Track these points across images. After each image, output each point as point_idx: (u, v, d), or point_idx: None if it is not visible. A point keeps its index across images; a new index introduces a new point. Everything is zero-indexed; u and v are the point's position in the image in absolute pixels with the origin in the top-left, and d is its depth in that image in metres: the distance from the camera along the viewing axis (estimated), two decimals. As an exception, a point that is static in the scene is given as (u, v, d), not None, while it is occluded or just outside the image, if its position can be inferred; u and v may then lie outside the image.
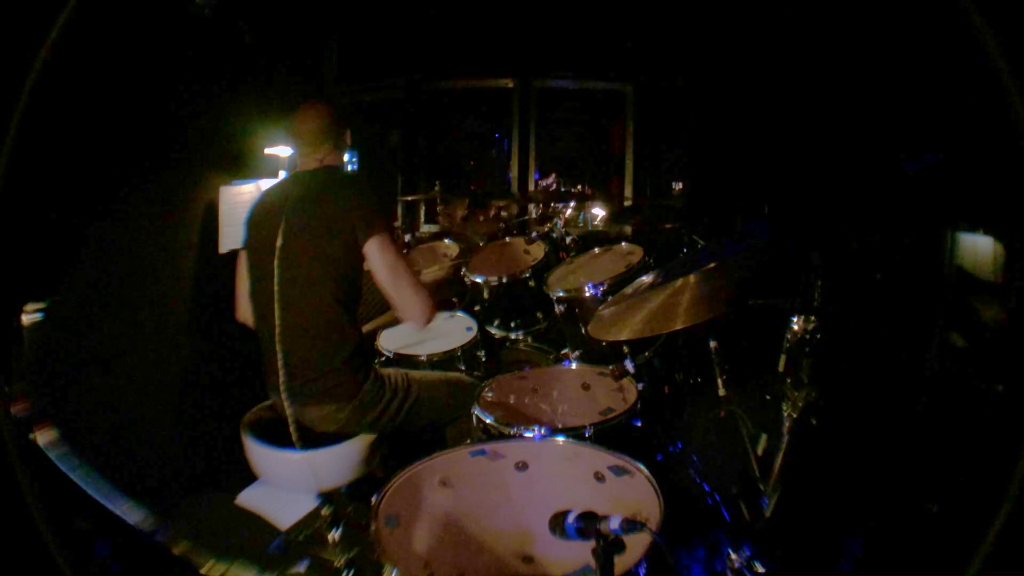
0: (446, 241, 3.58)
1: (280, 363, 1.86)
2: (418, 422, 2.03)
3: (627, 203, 4.41)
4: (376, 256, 1.87)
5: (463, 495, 1.49)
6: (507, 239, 3.49)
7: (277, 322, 1.85)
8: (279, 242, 1.86)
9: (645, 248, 2.89)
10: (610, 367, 1.97)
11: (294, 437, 1.86)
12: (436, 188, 3.86)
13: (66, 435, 1.83)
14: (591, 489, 1.49)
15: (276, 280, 1.85)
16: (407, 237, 3.71)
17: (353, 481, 1.93)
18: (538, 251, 3.20)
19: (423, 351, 2.62)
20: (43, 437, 1.78)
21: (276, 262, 1.86)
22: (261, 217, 1.97)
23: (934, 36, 1.77)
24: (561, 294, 2.67)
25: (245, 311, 2.05)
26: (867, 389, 2.08)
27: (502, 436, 1.78)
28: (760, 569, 1.43)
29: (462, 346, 2.64)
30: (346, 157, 2.14)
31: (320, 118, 2.02)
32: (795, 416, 1.39)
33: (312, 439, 1.87)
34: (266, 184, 2.61)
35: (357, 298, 1.96)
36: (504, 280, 2.97)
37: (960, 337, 1.92)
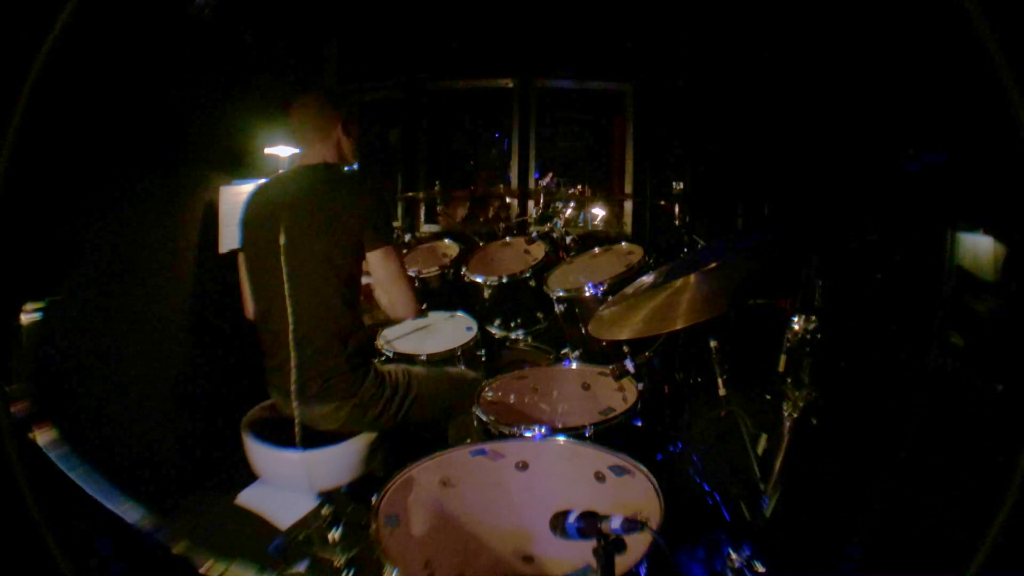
0: (446, 241, 3.58)
1: (293, 363, 1.85)
2: (419, 418, 2.03)
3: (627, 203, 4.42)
4: (379, 265, 1.89)
5: (463, 495, 1.49)
6: (507, 239, 3.49)
7: (291, 321, 1.84)
8: (283, 240, 1.84)
9: (645, 248, 2.89)
10: (610, 367, 1.97)
11: (298, 438, 1.86)
12: (436, 188, 3.85)
13: (66, 435, 1.83)
14: (591, 489, 1.49)
15: (286, 278, 1.84)
16: (407, 237, 3.71)
17: (353, 481, 1.93)
18: (538, 251, 3.20)
19: (423, 350, 2.62)
20: (43, 437, 1.78)
21: (283, 260, 1.84)
22: (260, 215, 1.94)
23: (934, 35, 1.77)
24: (561, 294, 2.67)
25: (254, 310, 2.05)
26: (867, 389, 2.08)
27: (502, 436, 1.79)
28: (760, 569, 1.43)
29: (462, 346, 2.64)
30: (349, 153, 2.08)
31: (316, 109, 2.00)
32: (795, 416, 1.39)
33: (312, 438, 1.87)
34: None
35: (358, 296, 1.96)
36: (504, 280, 2.97)
37: (960, 337, 1.92)
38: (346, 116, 2.03)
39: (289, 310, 1.84)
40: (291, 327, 1.84)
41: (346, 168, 2.08)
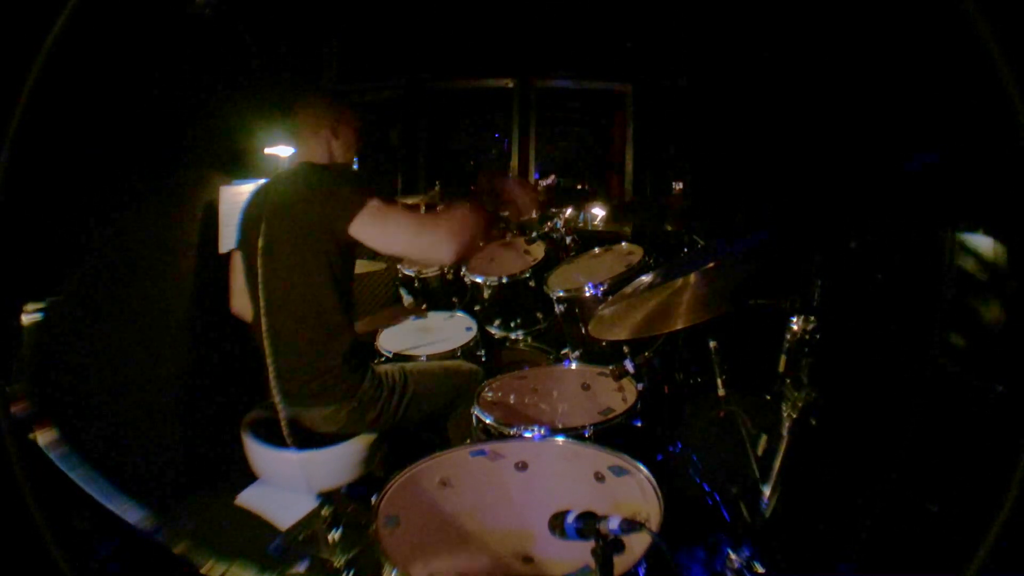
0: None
1: (270, 364, 1.86)
2: (419, 415, 2.03)
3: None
4: (372, 229, 1.75)
5: (463, 495, 1.49)
6: (507, 239, 3.49)
7: (264, 324, 1.85)
8: (261, 245, 1.85)
9: (645, 248, 2.89)
10: (610, 367, 1.97)
11: (287, 436, 1.86)
12: (436, 188, 3.85)
13: (66, 435, 1.83)
14: (591, 489, 1.49)
15: (261, 282, 1.85)
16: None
17: (353, 481, 1.94)
18: (538, 251, 3.19)
19: (423, 351, 2.62)
20: (43, 437, 1.78)
21: (260, 264, 1.85)
22: (249, 216, 1.97)
23: (934, 35, 1.77)
24: (561, 294, 2.66)
25: (239, 304, 2.06)
26: (867, 389, 2.08)
27: (502, 436, 1.79)
28: (760, 569, 1.43)
29: (462, 346, 2.64)
30: (341, 154, 2.06)
31: (309, 109, 2.00)
32: (795, 416, 1.39)
33: (312, 439, 1.87)
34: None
35: (349, 295, 1.96)
36: (504, 280, 2.97)
37: (960, 337, 1.92)
38: (339, 118, 2.02)
39: (263, 311, 1.84)
40: (264, 330, 1.84)
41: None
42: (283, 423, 1.86)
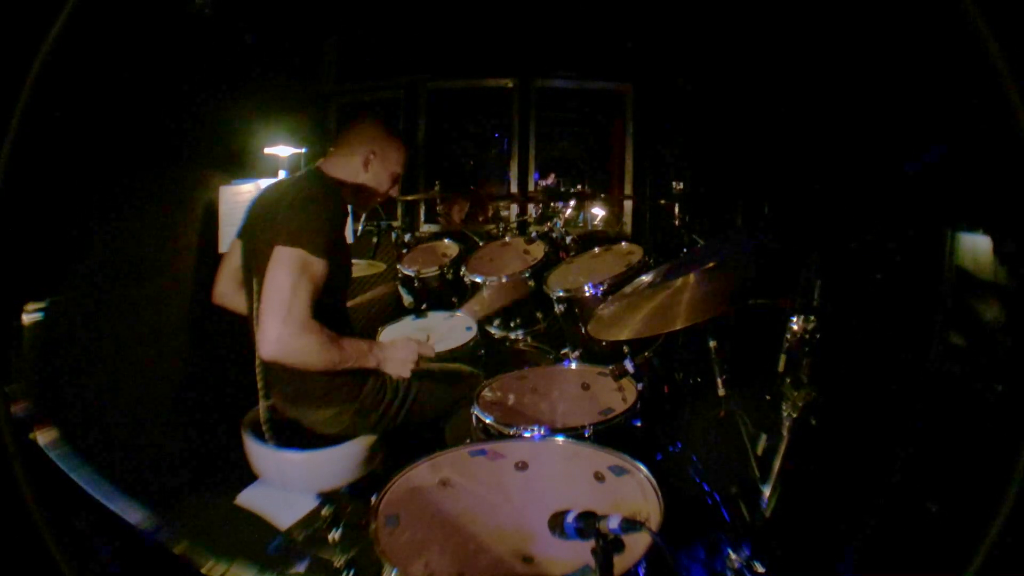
0: (446, 241, 3.58)
1: (257, 362, 1.86)
2: (420, 417, 2.03)
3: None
4: (273, 263, 1.66)
5: (463, 495, 1.49)
6: (507, 239, 3.49)
7: (253, 322, 1.85)
8: (250, 247, 1.88)
9: (645, 248, 2.89)
10: (610, 367, 1.97)
11: (266, 435, 1.87)
12: (436, 188, 3.85)
13: (66, 435, 1.83)
14: (591, 489, 1.49)
15: (254, 285, 1.85)
16: (407, 236, 3.71)
17: (353, 481, 1.94)
18: (538, 251, 3.20)
19: (423, 351, 2.61)
20: (43, 437, 1.78)
21: (252, 267, 1.86)
22: (250, 215, 1.98)
23: (934, 35, 1.77)
24: (561, 294, 2.67)
25: (222, 291, 2.07)
26: (867, 389, 2.08)
27: (502, 436, 1.78)
28: (760, 569, 1.43)
29: (462, 346, 2.64)
30: (361, 174, 2.00)
31: (355, 131, 2.01)
32: (795, 416, 1.39)
33: (313, 439, 1.87)
34: (265, 184, 2.62)
35: (340, 297, 1.95)
36: (504, 280, 2.97)
37: (960, 337, 1.92)
38: (379, 153, 1.99)
39: (251, 312, 1.84)
40: (254, 328, 1.85)
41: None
42: (264, 423, 1.86)
